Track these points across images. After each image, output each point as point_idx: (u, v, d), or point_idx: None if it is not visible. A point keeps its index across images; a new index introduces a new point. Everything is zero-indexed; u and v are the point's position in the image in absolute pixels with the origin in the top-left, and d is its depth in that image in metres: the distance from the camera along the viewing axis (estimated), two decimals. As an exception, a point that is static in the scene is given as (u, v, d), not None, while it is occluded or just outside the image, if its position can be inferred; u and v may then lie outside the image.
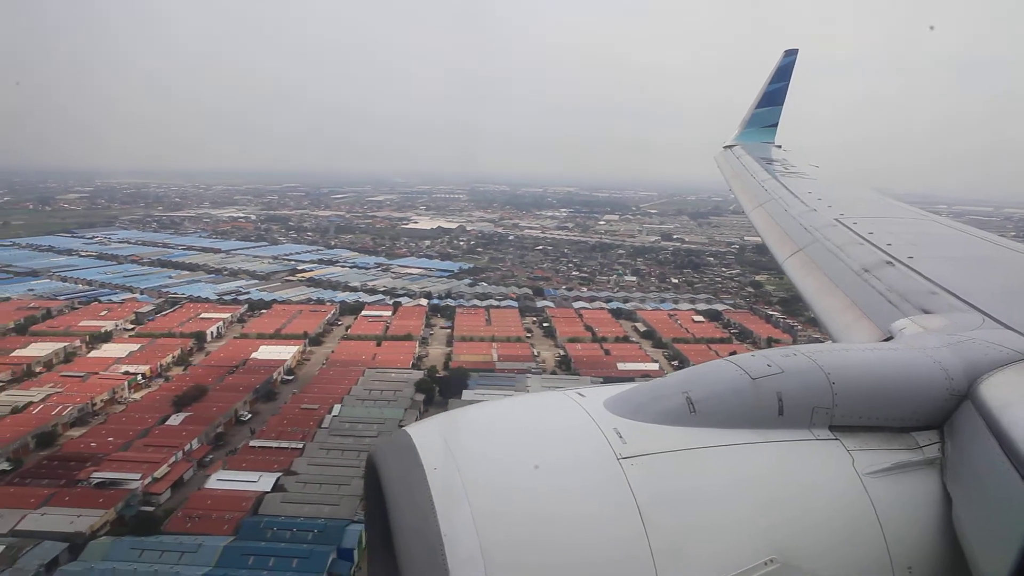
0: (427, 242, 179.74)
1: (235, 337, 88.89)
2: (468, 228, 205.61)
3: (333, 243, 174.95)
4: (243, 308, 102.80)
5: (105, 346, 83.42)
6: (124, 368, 74.39)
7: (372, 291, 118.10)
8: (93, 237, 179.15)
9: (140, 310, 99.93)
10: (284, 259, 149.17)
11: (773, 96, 14.43)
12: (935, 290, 4.61)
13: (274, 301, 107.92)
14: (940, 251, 6.04)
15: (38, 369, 75.30)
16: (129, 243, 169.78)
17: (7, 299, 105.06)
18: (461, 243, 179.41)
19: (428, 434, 2.61)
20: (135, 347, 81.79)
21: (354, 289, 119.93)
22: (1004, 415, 2.65)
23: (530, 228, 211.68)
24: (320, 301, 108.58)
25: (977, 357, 3.09)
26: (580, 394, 2.86)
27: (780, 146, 13.90)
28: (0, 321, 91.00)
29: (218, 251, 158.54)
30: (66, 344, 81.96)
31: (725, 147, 14.11)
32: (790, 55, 14.27)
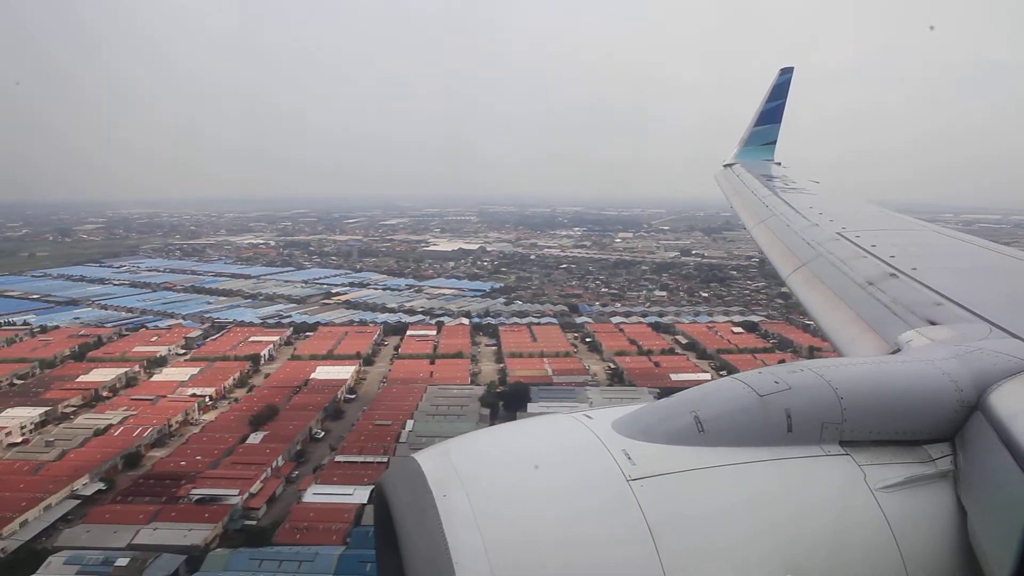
0: (451, 263, 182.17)
1: (289, 359, 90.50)
2: (488, 249, 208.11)
3: (359, 266, 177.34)
4: (289, 331, 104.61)
5: (164, 370, 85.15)
6: (190, 391, 75.97)
7: (411, 312, 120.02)
8: (121, 266, 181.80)
9: (189, 335, 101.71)
10: (315, 283, 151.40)
11: (771, 114, 14.55)
12: (940, 301, 4.58)
13: (318, 323, 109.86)
14: (944, 262, 5.98)
15: (105, 393, 77.00)
16: (158, 271, 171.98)
17: (56, 327, 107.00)
18: (485, 263, 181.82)
19: (436, 460, 2.60)
20: (195, 371, 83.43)
21: (392, 310, 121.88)
22: (1015, 425, 2.64)
23: (549, 247, 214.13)
24: (363, 322, 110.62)
25: (986, 367, 3.08)
26: (588, 416, 2.86)
27: (780, 163, 13.99)
28: (56, 349, 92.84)
29: (248, 277, 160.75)
30: (126, 369, 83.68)
31: (725, 165, 14.23)
32: (786, 73, 14.39)
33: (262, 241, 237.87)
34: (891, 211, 8.99)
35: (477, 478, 2.48)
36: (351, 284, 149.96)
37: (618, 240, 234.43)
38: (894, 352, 4.01)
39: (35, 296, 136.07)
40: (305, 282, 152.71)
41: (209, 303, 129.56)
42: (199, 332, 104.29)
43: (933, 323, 4.25)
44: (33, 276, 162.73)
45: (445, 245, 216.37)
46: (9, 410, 68.88)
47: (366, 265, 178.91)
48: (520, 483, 2.47)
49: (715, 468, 2.58)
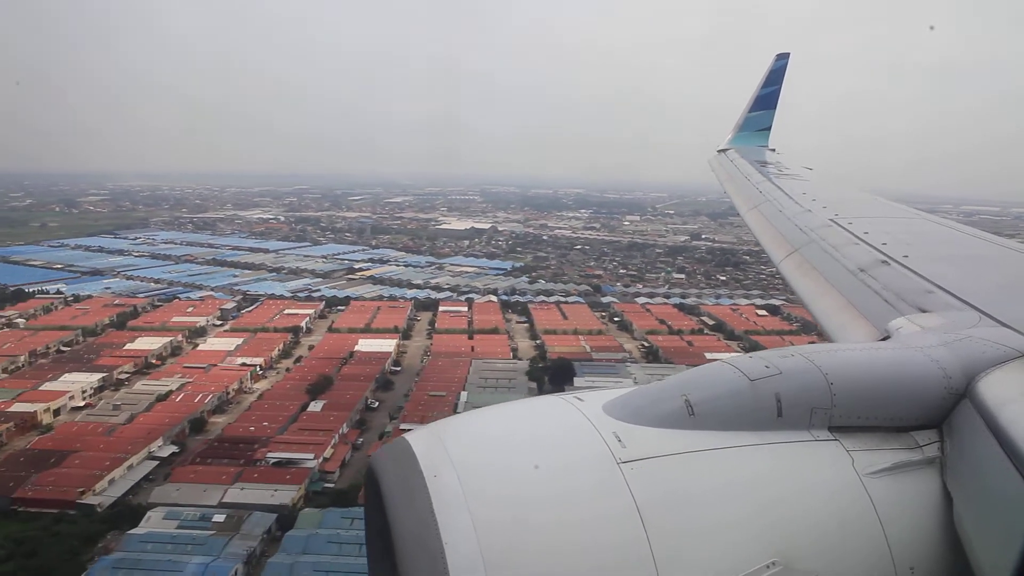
0: (465, 242, 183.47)
1: (328, 331, 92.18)
2: (500, 228, 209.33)
3: (374, 243, 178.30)
4: (321, 304, 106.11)
5: (208, 340, 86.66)
6: (239, 360, 77.61)
7: (437, 288, 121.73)
8: (137, 238, 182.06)
9: (223, 307, 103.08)
10: (335, 258, 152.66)
11: (766, 100, 14.45)
12: (931, 289, 4.61)
13: (348, 298, 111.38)
14: (935, 250, 5.99)
15: (154, 361, 78.54)
16: (175, 243, 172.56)
17: (89, 296, 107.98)
18: (500, 243, 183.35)
19: (427, 441, 2.61)
20: (239, 341, 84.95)
21: (418, 287, 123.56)
22: (1002, 413, 2.66)
23: (560, 228, 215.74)
24: (392, 298, 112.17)
25: (975, 355, 3.10)
26: (579, 398, 2.88)
27: (774, 149, 13.92)
28: (95, 317, 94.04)
29: (266, 251, 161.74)
30: (171, 339, 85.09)
31: (719, 151, 14.18)
32: (782, 59, 14.24)
33: (271, 216, 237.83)
34: (884, 199, 8.99)
35: (467, 459, 2.50)
36: (371, 260, 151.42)
37: (626, 223, 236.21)
38: (884, 339, 4.05)
39: (58, 266, 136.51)
40: (324, 257, 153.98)
41: (235, 276, 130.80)
42: (232, 304, 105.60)
43: (923, 311, 4.28)
44: (51, 246, 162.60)
45: (457, 224, 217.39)
46: (67, 375, 70.35)
47: (380, 242, 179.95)
48: (510, 465, 2.50)
49: (705, 452, 2.61)
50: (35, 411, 61.39)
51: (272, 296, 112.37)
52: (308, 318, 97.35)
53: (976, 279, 4.91)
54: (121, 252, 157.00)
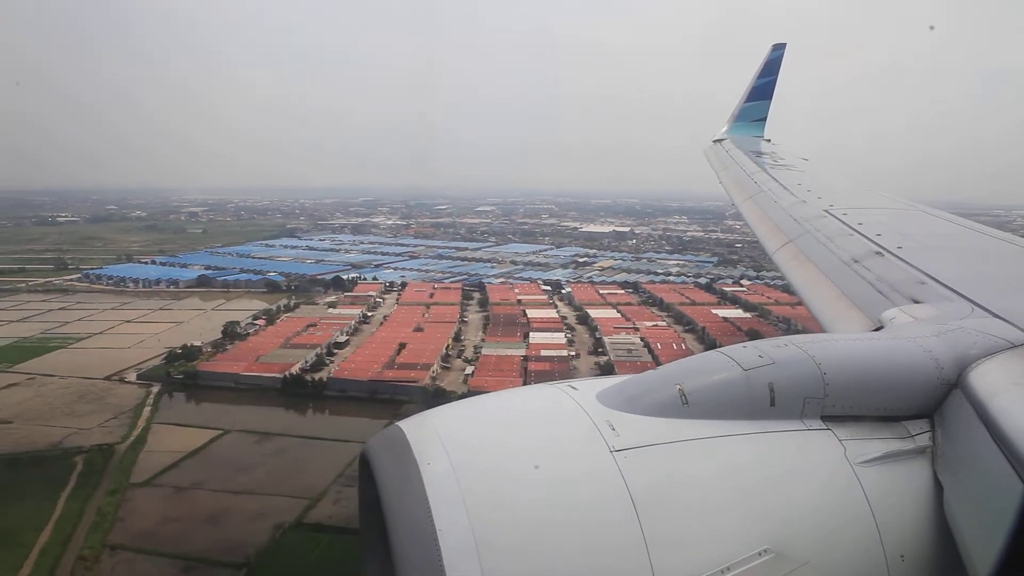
0: (631, 241, 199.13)
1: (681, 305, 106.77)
2: (636, 231, 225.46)
3: (562, 243, 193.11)
4: (629, 290, 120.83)
5: (592, 312, 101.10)
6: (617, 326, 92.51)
7: (696, 276, 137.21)
8: (323, 239, 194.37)
9: (543, 287, 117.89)
10: (543, 254, 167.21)
11: (761, 90, 14.45)
12: (924, 280, 4.65)
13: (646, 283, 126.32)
14: (929, 241, 6.01)
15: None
16: (364, 244, 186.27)
17: (405, 283, 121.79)
18: (664, 242, 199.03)
19: (421, 428, 2.67)
20: (616, 314, 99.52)
21: (676, 274, 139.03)
22: (993, 403, 2.69)
23: (690, 231, 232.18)
24: (683, 283, 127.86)
25: (966, 346, 3.13)
26: (573, 387, 2.91)
27: (769, 140, 14.01)
28: (450, 298, 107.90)
29: (467, 249, 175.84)
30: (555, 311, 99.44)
31: (714, 141, 14.25)
32: (778, 49, 14.24)
33: (403, 222, 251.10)
34: (880, 191, 9.03)
35: (461, 447, 2.54)
36: (586, 255, 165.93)
37: (733, 224, 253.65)
38: (877, 329, 4.07)
39: (308, 260, 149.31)
40: (535, 253, 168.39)
41: (491, 267, 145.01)
42: (548, 288, 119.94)
43: (916, 301, 4.30)
44: (268, 246, 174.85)
45: (596, 228, 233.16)
46: (535, 334, 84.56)
47: (555, 242, 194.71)
48: (503, 452, 2.57)
49: (698, 440, 2.66)
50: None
51: (579, 281, 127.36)
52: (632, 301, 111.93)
53: (969, 270, 4.97)
54: (345, 250, 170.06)
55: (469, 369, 73.39)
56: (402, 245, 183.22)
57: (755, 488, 2.58)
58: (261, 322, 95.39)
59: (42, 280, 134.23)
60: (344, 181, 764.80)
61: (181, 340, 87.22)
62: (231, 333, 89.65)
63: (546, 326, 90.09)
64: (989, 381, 2.86)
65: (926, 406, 2.98)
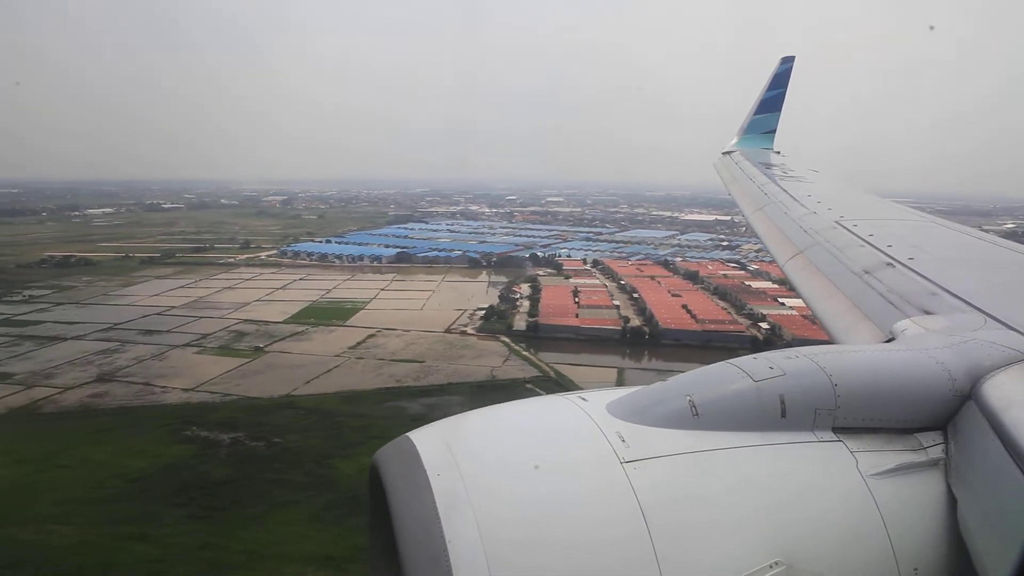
0: (743, 228, 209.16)
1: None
2: (735, 220, 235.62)
3: (685, 229, 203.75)
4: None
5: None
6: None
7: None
8: (451, 224, 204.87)
9: (732, 266, 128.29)
10: (681, 240, 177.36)
11: (771, 103, 14.58)
12: (936, 291, 4.59)
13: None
14: (941, 252, 5.94)
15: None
16: (497, 229, 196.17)
17: (597, 261, 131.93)
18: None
19: (431, 439, 2.63)
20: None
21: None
22: (1007, 415, 2.65)
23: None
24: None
25: (980, 357, 3.08)
26: (583, 398, 2.89)
27: (779, 152, 14.05)
28: (656, 271, 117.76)
29: (602, 233, 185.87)
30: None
31: (724, 153, 14.30)
32: (787, 62, 14.40)
33: (493, 210, 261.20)
34: (890, 201, 9.06)
35: (471, 458, 2.52)
36: (720, 240, 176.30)
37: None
38: (889, 340, 3.98)
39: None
40: (669, 237, 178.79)
41: (660, 250, 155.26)
42: (735, 266, 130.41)
43: (928, 313, 4.24)
44: (408, 229, 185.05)
45: (702, 216, 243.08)
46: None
47: (685, 229, 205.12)
48: (514, 464, 2.51)
49: (709, 452, 2.62)
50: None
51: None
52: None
53: (982, 281, 4.89)
54: (489, 234, 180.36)
55: (765, 325, 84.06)
56: (533, 230, 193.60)
57: (766, 500, 2.53)
58: (518, 289, 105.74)
59: (244, 256, 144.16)
60: (394, 175, 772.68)
61: (459, 304, 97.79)
62: (506, 298, 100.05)
63: (788, 295, 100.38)
64: (1003, 393, 2.80)
65: (939, 418, 2.90)
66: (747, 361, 2.95)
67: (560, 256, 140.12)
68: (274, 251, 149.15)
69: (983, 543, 2.46)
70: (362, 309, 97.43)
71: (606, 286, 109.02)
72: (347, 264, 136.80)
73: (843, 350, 3.31)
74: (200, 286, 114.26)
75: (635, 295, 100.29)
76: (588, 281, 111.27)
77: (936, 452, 2.80)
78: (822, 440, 2.75)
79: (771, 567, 2.35)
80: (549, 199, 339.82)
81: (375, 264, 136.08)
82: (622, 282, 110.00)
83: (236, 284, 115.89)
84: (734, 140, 14.67)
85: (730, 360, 3.00)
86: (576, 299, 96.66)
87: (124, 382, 67.75)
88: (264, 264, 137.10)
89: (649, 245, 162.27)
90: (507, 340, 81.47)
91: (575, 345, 79.52)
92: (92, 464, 48.08)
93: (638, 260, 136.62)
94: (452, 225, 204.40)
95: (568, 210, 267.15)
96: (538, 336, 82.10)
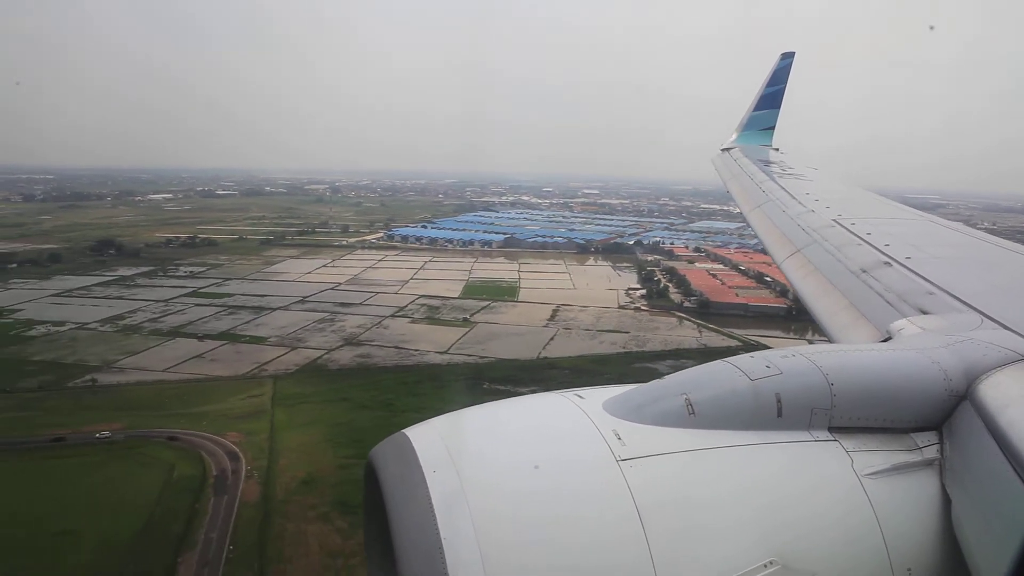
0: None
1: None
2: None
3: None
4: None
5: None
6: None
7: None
8: (521, 213, 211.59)
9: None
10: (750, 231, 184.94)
11: (770, 99, 14.49)
12: (933, 290, 4.60)
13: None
14: (938, 251, 5.90)
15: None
16: (571, 218, 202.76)
17: (697, 251, 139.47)
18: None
19: (427, 436, 2.63)
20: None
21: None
22: (1002, 416, 2.65)
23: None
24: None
25: (976, 358, 3.08)
26: (579, 396, 2.88)
27: (778, 149, 13.97)
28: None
29: (674, 224, 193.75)
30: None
31: (723, 149, 14.25)
32: (787, 58, 14.34)
33: (541, 200, 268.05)
34: (888, 199, 9.05)
35: (467, 455, 2.52)
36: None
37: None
38: (885, 340, 4.00)
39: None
40: (740, 227, 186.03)
41: (743, 240, 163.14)
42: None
43: (925, 312, 4.26)
44: (485, 218, 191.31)
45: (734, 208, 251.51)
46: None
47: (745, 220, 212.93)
48: (510, 462, 2.52)
49: (705, 451, 2.61)
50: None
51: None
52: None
53: (978, 281, 4.86)
54: (567, 223, 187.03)
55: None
56: (605, 220, 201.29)
57: (761, 499, 2.53)
58: (656, 272, 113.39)
59: (353, 240, 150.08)
60: (413, 167, 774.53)
61: (603, 285, 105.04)
62: (649, 279, 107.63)
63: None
64: (999, 393, 2.80)
65: (934, 418, 2.91)
66: (744, 360, 2.98)
67: (664, 244, 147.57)
68: (379, 235, 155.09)
69: (977, 543, 2.48)
70: (520, 288, 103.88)
71: (736, 270, 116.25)
72: (459, 248, 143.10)
73: (840, 349, 3.41)
74: (339, 265, 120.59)
75: (765, 278, 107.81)
76: (713, 266, 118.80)
77: (931, 452, 2.81)
78: (818, 440, 2.77)
79: (766, 566, 2.37)
80: (585, 191, 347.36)
81: (486, 248, 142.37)
82: (741, 268, 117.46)
83: (372, 265, 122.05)
84: (733, 136, 14.64)
85: (727, 359, 3.04)
86: (720, 281, 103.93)
87: (373, 345, 73.98)
88: (378, 247, 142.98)
89: (729, 235, 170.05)
90: (682, 315, 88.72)
91: (743, 321, 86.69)
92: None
93: (737, 248, 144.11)
94: (523, 214, 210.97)
95: (617, 202, 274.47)
96: (708, 312, 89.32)
